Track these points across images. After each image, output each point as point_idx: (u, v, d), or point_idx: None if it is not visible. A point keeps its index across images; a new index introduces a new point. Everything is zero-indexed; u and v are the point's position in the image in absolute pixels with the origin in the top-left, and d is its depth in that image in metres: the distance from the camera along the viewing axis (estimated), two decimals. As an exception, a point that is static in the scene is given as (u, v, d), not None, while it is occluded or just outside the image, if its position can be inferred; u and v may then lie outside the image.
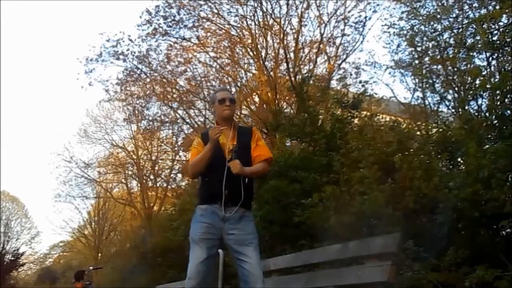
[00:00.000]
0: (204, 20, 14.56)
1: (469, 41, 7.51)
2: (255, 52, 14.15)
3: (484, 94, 6.62)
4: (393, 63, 10.95)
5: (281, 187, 7.24)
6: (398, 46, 10.28)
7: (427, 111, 9.58)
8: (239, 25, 14.45)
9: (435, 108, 9.23)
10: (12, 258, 26.50)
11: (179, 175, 21.63)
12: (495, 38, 6.66)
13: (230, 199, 3.02)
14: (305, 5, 13.59)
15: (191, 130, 17.01)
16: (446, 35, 8.45)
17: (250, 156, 3.17)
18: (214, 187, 3.04)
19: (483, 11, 7.76)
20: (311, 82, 11.66)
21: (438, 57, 8.28)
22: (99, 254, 28.52)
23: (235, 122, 3.31)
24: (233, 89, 15.16)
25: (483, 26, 6.74)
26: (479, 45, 6.92)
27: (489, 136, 5.71)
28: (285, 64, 13.52)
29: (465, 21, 8.07)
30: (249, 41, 14.36)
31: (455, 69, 7.91)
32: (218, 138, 3.03)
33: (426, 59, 8.71)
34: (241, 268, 2.99)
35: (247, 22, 14.19)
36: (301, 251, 5.07)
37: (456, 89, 7.94)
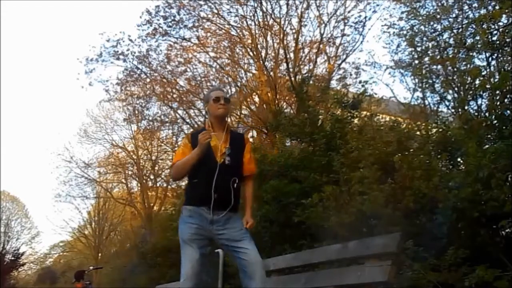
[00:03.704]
0: (204, 20, 14.58)
1: (469, 41, 7.51)
2: (255, 52, 14.15)
3: (484, 94, 6.63)
4: (393, 63, 10.97)
5: (281, 187, 7.24)
6: (398, 46, 10.30)
7: (427, 111, 9.57)
8: (239, 25, 14.47)
9: (435, 108, 9.23)
10: (12, 258, 26.49)
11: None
12: (495, 38, 6.66)
13: (218, 203, 3.01)
14: (305, 5, 13.61)
15: (191, 130, 17.02)
16: (446, 35, 8.45)
17: (242, 163, 3.18)
18: (203, 190, 3.02)
19: (483, 11, 7.75)
20: (311, 82, 11.69)
21: (438, 57, 8.27)
22: (99, 254, 28.55)
23: (228, 124, 3.29)
24: (233, 89, 15.20)
25: (483, 26, 6.73)
26: (479, 45, 6.91)
27: (489, 136, 5.71)
28: (285, 64, 13.53)
29: (465, 21, 8.07)
30: (249, 41, 14.37)
31: (455, 69, 7.90)
32: (208, 143, 2.99)
33: (426, 59, 8.70)
34: (240, 259, 2.99)
35: (247, 22, 14.21)
36: (301, 251, 5.07)
37: (456, 89, 7.94)
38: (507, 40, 6.43)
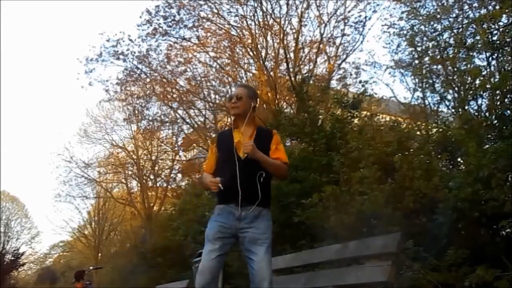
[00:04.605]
0: (204, 20, 14.58)
1: (469, 41, 7.51)
2: (255, 52, 14.15)
3: (484, 94, 6.63)
4: (393, 63, 10.96)
5: (281, 187, 7.23)
6: (398, 46, 10.29)
7: (427, 111, 9.57)
8: (239, 25, 14.47)
9: (435, 108, 9.22)
10: (12, 258, 26.51)
11: (179, 175, 21.67)
12: (495, 38, 6.66)
13: (245, 198, 3.00)
14: (305, 5, 13.61)
15: (191, 130, 17.03)
16: (446, 35, 8.45)
17: (268, 155, 3.12)
18: (230, 187, 3.01)
19: (483, 11, 7.76)
20: (311, 82, 11.69)
21: (438, 57, 8.26)
22: (99, 254, 28.55)
23: (256, 121, 3.29)
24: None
25: (483, 26, 6.74)
26: (479, 45, 6.91)
27: (489, 136, 5.72)
28: (285, 64, 13.53)
29: (465, 21, 8.07)
30: (249, 41, 14.36)
31: (455, 69, 7.90)
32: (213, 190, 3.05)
33: (426, 59, 8.70)
34: (250, 268, 2.99)
35: (247, 22, 14.21)
36: (301, 251, 5.06)
37: (456, 89, 7.93)
38: (507, 40, 6.43)
